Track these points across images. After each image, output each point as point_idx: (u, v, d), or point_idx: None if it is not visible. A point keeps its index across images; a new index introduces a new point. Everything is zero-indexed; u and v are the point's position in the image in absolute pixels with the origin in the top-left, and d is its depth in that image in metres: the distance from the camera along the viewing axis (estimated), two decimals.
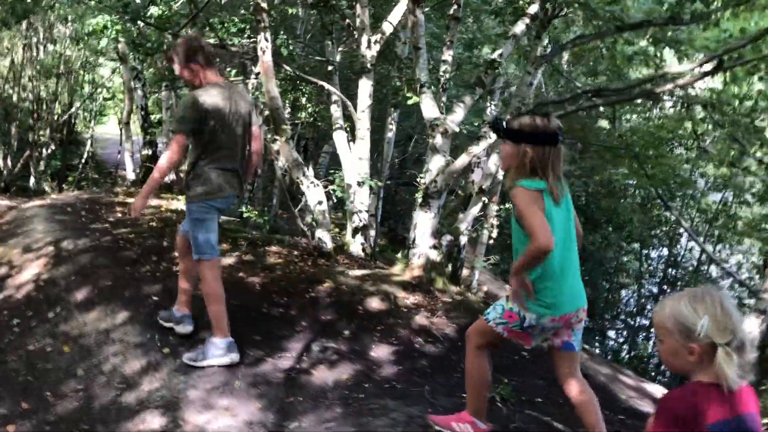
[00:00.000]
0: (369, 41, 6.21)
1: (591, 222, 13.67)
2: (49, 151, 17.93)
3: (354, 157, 6.55)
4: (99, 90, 21.05)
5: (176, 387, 3.79)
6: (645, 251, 16.27)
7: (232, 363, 3.97)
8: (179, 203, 8.97)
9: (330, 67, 6.90)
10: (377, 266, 6.28)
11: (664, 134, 7.84)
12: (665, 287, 16.11)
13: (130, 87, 10.13)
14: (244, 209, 8.79)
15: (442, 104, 5.76)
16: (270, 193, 13.49)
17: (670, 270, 15.93)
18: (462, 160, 5.55)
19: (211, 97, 3.76)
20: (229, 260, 5.77)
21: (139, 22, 6.35)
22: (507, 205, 7.36)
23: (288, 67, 6.45)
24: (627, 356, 15.59)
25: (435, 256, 5.85)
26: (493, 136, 5.51)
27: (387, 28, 6.29)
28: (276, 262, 5.89)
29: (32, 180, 16.68)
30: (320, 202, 6.06)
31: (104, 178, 21.64)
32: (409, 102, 5.63)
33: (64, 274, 5.35)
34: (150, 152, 10.01)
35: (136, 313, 4.64)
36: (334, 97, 6.89)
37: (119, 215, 7.34)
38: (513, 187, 2.69)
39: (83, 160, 19.66)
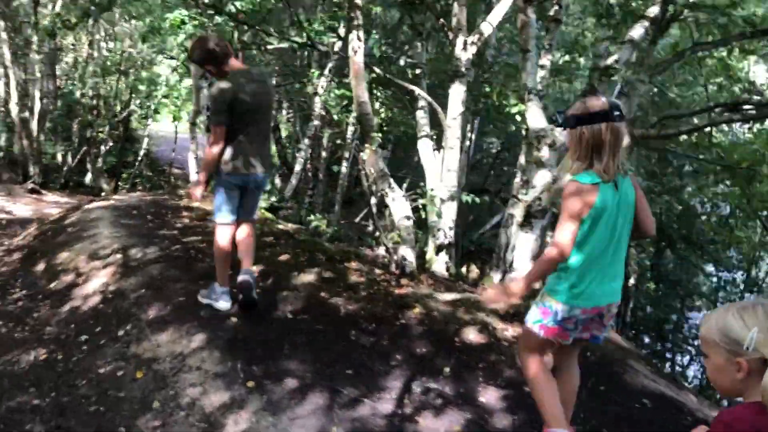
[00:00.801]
0: (465, 43, 5.68)
1: (667, 241, 12.86)
2: (107, 147, 17.89)
3: (441, 168, 6.01)
4: (158, 87, 21.01)
5: (267, 431, 3.31)
6: (721, 273, 15.31)
7: (224, 310, 4.42)
8: None
9: (418, 71, 6.40)
10: (465, 289, 5.72)
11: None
12: None
13: (197, 86, 9.85)
14: (312, 218, 8.36)
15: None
16: (331, 199, 13.08)
17: (748, 294, 14.92)
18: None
19: (233, 85, 4.07)
20: (308, 277, 5.30)
21: (218, 17, 5.96)
22: None
23: (378, 70, 5.97)
24: (696, 382, 14.65)
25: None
26: None
27: (486, 28, 5.75)
28: (358, 281, 5.39)
29: (89, 176, 16.65)
30: (408, 218, 5.54)
31: (158, 176, 21.63)
32: (513, 110, 5.08)
33: (134, 286, 4.96)
34: None
35: (214, 337, 4.19)
36: (420, 103, 6.39)
37: (186, 221, 6.96)
38: (569, 181, 2.72)
39: (139, 158, 19.61)
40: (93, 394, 3.76)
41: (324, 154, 12.99)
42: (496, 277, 5.92)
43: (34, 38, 13.34)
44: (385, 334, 4.49)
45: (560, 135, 5.09)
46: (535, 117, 5.09)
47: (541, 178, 5.09)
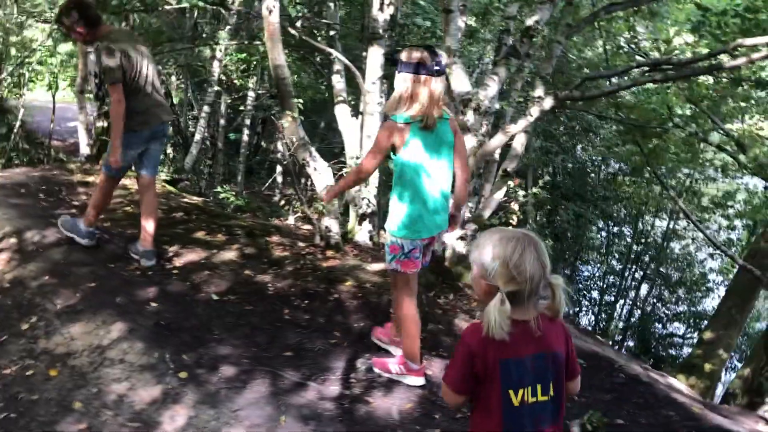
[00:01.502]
0: (382, 3, 5.45)
1: (565, 198, 13.35)
2: None
3: (361, 135, 5.82)
4: (31, 54, 19.26)
5: (208, 426, 3.07)
6: (611, 228, 16.16)
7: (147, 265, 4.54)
8: None
9: (332, 32, 6.10)
10: None
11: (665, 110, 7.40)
12: (630, 264, 16.09)
13: (84, 51, 8.99)
14: (219, 189, 7.96)
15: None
16: (232, 168, 12.56)
17: (634, 246, 15.86)
18: (497, 140, 4.92)
19: (120, 45, 4.10)
20: (229, 254, 5.01)
21: None
22: (534, 190, 6.79)
23: (293, 31, 5.62)
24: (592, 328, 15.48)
25: (461, 248, 5.24)
26: (534, 114, 4.91)
27: None
28: (282, 256, 5.15)
29: None
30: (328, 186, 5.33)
31: (36, 148, 19.96)
32: None
33: (35, 273, 4.47)
34: (106, 124, 8.92)
35: (135, 325, 3.84)
36: (336, 67, 6.11)
37: (84, 197, 6.38)
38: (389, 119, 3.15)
39: (15, 131, 17.97)
40: (1, 399, 3.34)
41: (222, 122, 12.41)
42: None
43: None
44: (319, 311, 4.31)
45: (485, 99, 5.02)
46: (459, 80, 4.99)
47: (467, 142, 5.01)
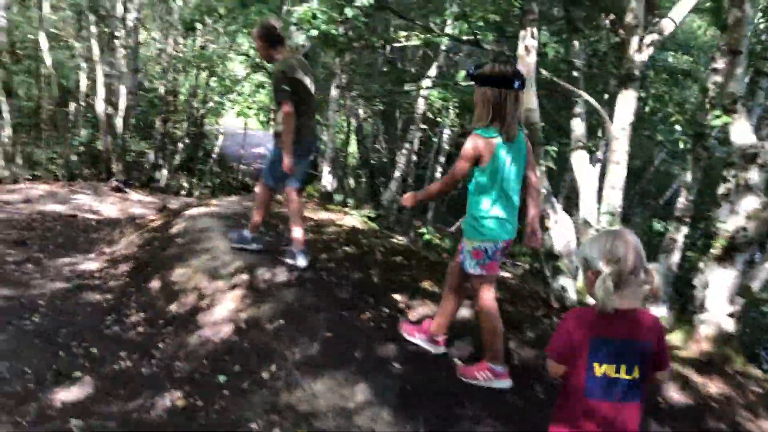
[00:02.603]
0: (641, 42, 4.87)
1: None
2: (183, 144, 17.59)
3: (603, 185, 5.23)
4: (234, 84, 20.67)
5: None
6: None
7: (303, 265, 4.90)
8: (352, 218, 7.97)
9: (575, 73, 5.62)
10: None
11: None
12: None
13: None
14: (424, 231, 7.68)
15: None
16: (422, 205, 12.38)
17: None
18: None
19: (291, 69, 4.64)
20: (462, 312, 4.61)
21: (348, 10, 5.31)
22: None
23: (546, 72, 5.22)
24: None
25: (730, 326, 4.46)
26: None
27: (667, 25, 4.93)
28: (518, 318, 4.66)
29: (164, 173, 16.32)
30: (570, 243, 4.79)
31: (226, 172, 21.30)
32: (715, 122, 4.26)
33: (269, 314, 4.35)
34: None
35: (381, 388, 3.52)
36: (577, 110, 5.61)
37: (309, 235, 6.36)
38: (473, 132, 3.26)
39: (213, 156, 19.32)
40: None
41: (414, 158, 12.32)
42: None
43: (122, 32, 13.07)
44: None
45: None
46: (742, 131, 4.27)
47: (748, 203, 4.26)
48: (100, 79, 12.13)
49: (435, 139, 12.11)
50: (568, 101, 5.66)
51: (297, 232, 4.99)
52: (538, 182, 3.61)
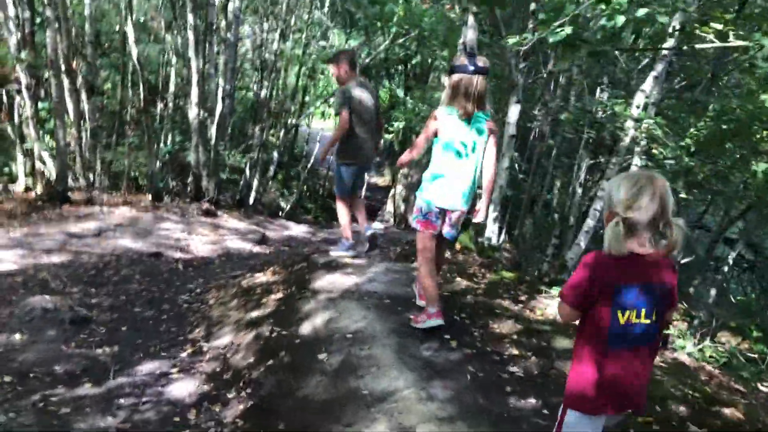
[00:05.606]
0: None
1: None
2: (278, 154, 15.36)
3: None
4: (328, 88, 18.65)
5: None
6: None
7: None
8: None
9: None
10: None
11: None
12: None
13: None
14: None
15: None
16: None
17: None
18: None
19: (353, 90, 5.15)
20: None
21: None
22: None
23: None
24: None
25: None
26: None
27: None
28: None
29: (257, 187, 14.06)
30: None
31: (312, 177, 19.04)
32: None
33: None
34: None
35: None
36: None
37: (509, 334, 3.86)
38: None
39: (307, 165, 17.09)
40: None
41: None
42: None
43: (222, 23, 10.96)
44: None
45: None
46: None
47: None
48: (195, 78, 9.98)
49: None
50: None
51: (361, 220, 5.55)
52: (494, 165, 3.71)
